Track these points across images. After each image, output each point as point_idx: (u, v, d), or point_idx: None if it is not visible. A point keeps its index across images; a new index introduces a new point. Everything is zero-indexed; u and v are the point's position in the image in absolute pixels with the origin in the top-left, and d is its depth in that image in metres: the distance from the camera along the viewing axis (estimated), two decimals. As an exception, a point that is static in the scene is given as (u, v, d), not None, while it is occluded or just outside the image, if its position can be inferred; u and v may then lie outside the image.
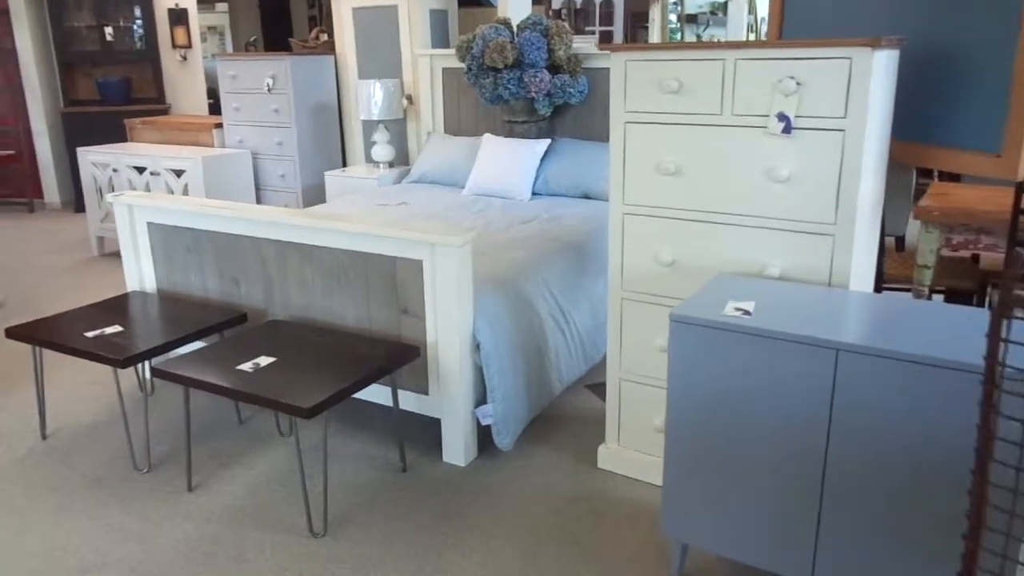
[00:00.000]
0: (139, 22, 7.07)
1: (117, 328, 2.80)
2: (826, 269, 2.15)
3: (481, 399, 2.76)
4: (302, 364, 2.46)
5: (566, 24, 4.24)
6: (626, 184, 2.42)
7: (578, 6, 9.73)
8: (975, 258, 3.58)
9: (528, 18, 4.30)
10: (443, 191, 4.46)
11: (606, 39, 9.53)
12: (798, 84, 2.05)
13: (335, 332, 2.77)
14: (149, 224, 3.26)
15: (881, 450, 1.70)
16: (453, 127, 4.90)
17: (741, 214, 2.23)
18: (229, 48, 9.98)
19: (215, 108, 7.55)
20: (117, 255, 5.42)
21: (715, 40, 9.92)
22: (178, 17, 7.10)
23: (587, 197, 4.21)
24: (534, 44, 4.13)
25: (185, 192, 4.98)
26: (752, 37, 9.97)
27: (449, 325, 2.62)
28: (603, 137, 4.39)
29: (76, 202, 7.01)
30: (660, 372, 2.49)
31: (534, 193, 4.28)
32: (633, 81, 2.32)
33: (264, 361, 2.48)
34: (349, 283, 2.82)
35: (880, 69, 2.03)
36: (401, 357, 2.55)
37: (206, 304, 3.13)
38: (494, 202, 4.15)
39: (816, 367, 1.74)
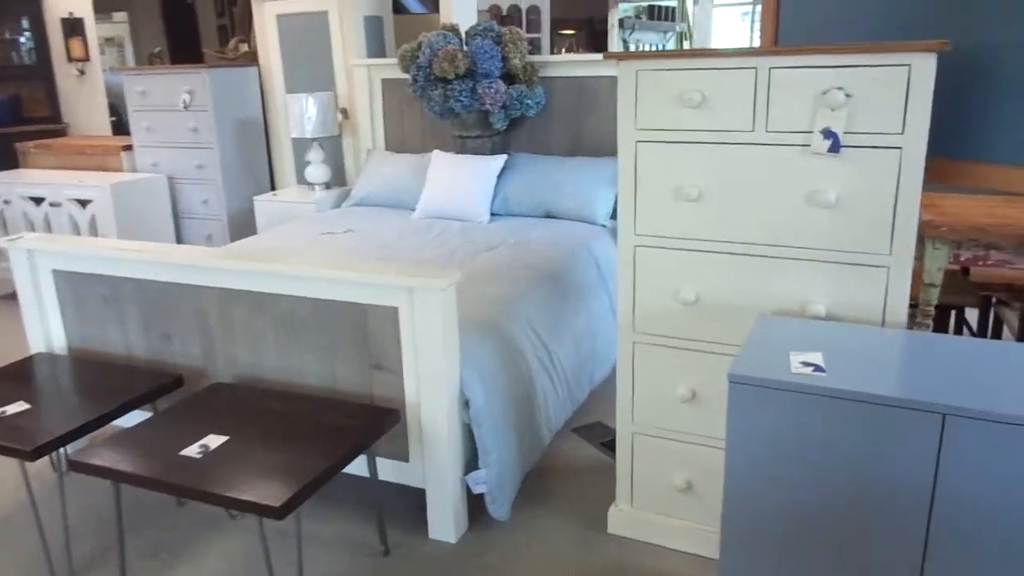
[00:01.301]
0: (27, 34, 6.36)
1: (21, 405, 2.29)
2: (878, 306, 1.87)
3: (471, 463, 2.38)
4: (261, 443, 2.03)
5: (520, 31, 3.91)
6: (638, 212, 2.09)
7: (504, 13, 9.43)
8: (964, 270, 3.43)
9: (478, 24, 3.95)
10: (390, 215, 4.05)
11: (534, 47, 9.26)
12: (847, 96, 1.77)
13: (294, 396, 2.34)
14: (55, 272, 2.74)
15: (999, 533, 1.42)
16: (396, 143, 4.50)
17: (778, 244, 1.94)
18: (130, 61, 9.24)
19: (119, 127, 6.89)
20: (12, 298, 4.77)
21: (645, 47, 9.78)
22: (73, 27, 6.43)
23: (550, 216, 3.89)
24: (487, 52, 3.78)
25: (93, 225, 4.39)
26: (687, 47, 9.88)
27: (432, 381, 2.24)
28: (562, 151, 4.08)
29: (-39, 236, 6.23)
30: (681, 424, 2.18)
31: (492, 214, 3.93)
32: (646, 94, 2.00)
33: (214, 441, 2.04)
34: (309, 336, 2.40)
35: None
36: (379, 424, 2.15)
37: (131, 366, 2.65)
38: (451, 226, 3.77)
39: (916, 434, 1.45)
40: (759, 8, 11.11)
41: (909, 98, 1.73)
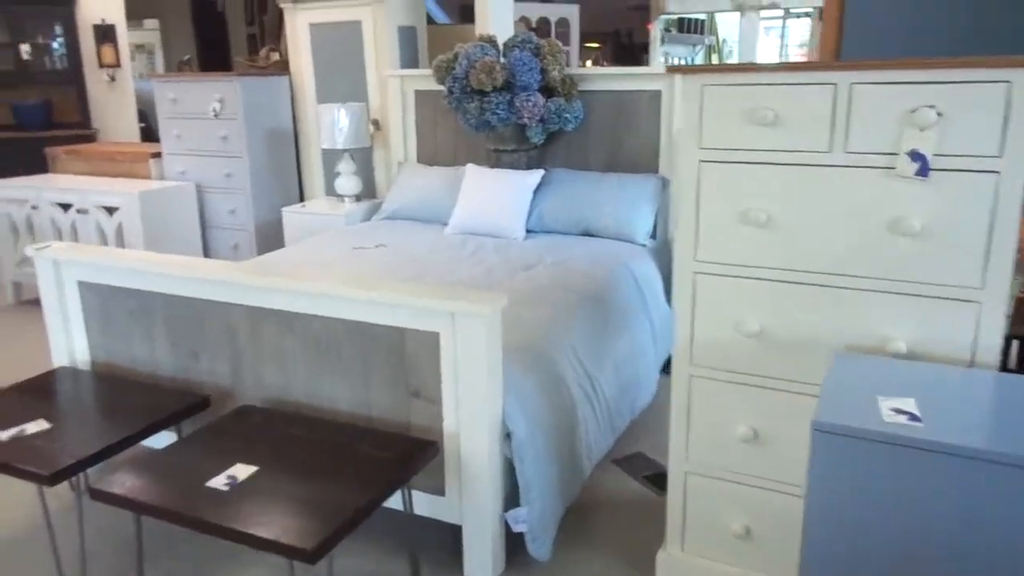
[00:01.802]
0: (60, 40, 6.34)
1: (41, 425, 2.18)
2: (967, 344, 1.72)
3: (511, 499, 2.24)
4: (291, 475, 1.90)
5: (560, 43, 3.79)
6: (699, 237, 1.95)
7: (533, 26, 9.34)
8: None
9: (516, 35, 3.83)
10: (422, 229, 3.93)
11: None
12: (939, 115, 1.62)
13: (326, 423, 2.21)
14: (81, 284, 2.64)
15: None
16: (428, 156, 4.39)
17: (855, 275, 1.79)
18: (160, 67, 9.24)
19: (147, 134, 6.85)
20: (38, 303, 4.70)
21: (673, 61, 9.64)
22: (105, 34, 6.39)
23: (587, 234, 3.75)
24: (526, 64, 3.66)
25: (119, 232, 4.31)
26: (715, 60, 9.74)
27: (473, 412, 2.10)
28: (600, 167, 3.95)
29: (-12, 240, 6.19)
30: (740, 465, 2.02)
31: (528, 230, 3.80)
32: (712, 111, 1.86)
33: (242, 472, 1.91)
34: (342, 359, 2.27)
35: (1041, 96, 1.62)
36: (417, 457, 2.02)
37: (156, 384, 2.53)
38: (485, 243, 3.64)
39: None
40: (789, 23, 10.98)
41: (1009, 118, 1.58)
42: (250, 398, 2.45)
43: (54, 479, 1.91)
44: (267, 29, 7.43)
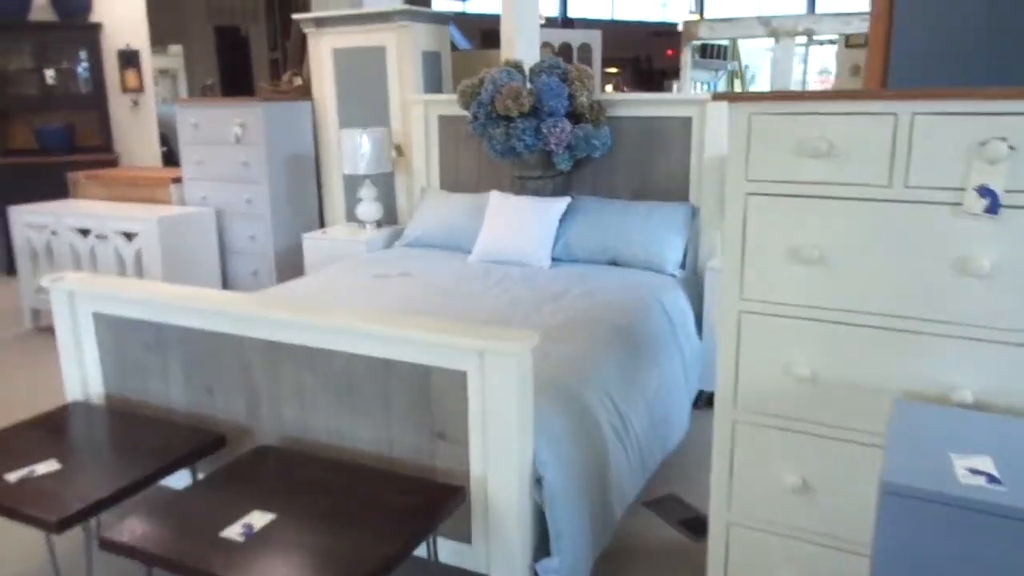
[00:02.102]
0: (85, 65, 6.36)
1: (51, 465, 2.08)
2: (1041, 393, 1.58)
3: (540, 547, 2.12)
4: (311, 524, 1.79)
5: (589, 68, 3.70)
6: (745, 274, 1.84)
7: (556, 51, 9.30)
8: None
9: (543, 60, 3.76)
10: (445, 257, 3.84)
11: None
12: (1011, 148, 1.51)
13: (347, 466, 2.10)
14: (96, 315, 2.56)
15: None
16: (450, 182, 4.31)
17: (915, 317, 1.66)
18: (183, 92, 9.29)
19: (168, 158, 6.84)
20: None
21: (696, 87, 9.55)
22: (129, 59, 6.41)
23: (615, 263, 3.64)
24: (553, 90, 3.58)
25: (138, 259, 4.26)
26: (737, 86, 9.64)
27: (502, 455, 1.99)
28: (627, 195, 3.85)
29: (7, 262, 6.16)
30: (788, 517, 1.89)
31: (554, 259, 3.69)
32: (760, 141, 1.75)
33: (259, 520, 1.80)
34: (364, 398, 2.17)
35: (1122, 127, 1.50)
36: (443, 504, 1.90)
37: (170, 421, 2.44)
38: (511, 272, 3.54)
39: None
40: (812, 49, 10.88)
41: (1088, 152, 1.46)
42: (267, 436, 2.34)
43: (61, 526, 1.82)
44: (290, 54, 7.43)
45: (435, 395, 2.06)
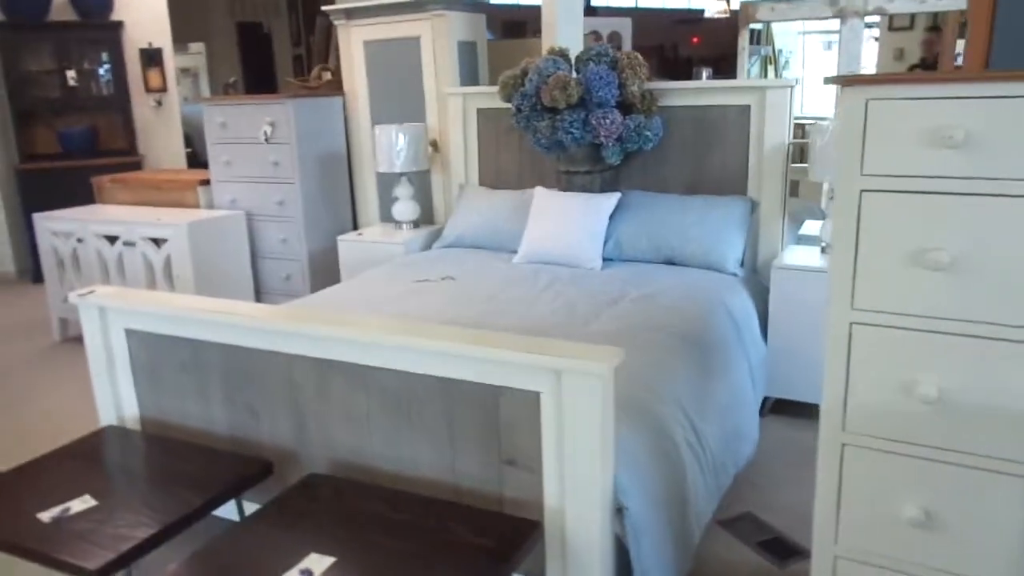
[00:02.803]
0: (106, 66, 6.22)
1: (87, 502, 1.91)
2: None
3: (621, 583, 1.92)
4: (375, 570, 1.61)
5: (638, 55, 3.48)
6: (858, 279, 1.62)
7: (599, 37, 9.04)
8: None
9: (590, 48, 3.54)
10: (489, 258, 3.64)
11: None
12: None
13: (409, 498, 1.91)
14: (129, 332, 2.39)
15: None
16: (490, 179, 4.11)
17: (1069, 330, 1.44)
18: (204, 91, 9.15)
19: (192, 159, 6.70)
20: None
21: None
22: (151, 58, 6.28)
23: (670, 263, 3.43)
24: (603, 79, 3.36)
25: (167, 265, 4.10)
26: (771, 72, 9.33)
27: (581, 484, 1.79)
28: (679, 189, 3.63)
29: (34, 271, 6.04)
30: (906, 552, 1.68)
31: (604, 259, 3.48)
32: (880, 129, 1.54)
33: (317, 565, 1.62)
34: (423, 420, 1.98)
35: None
36: (518, 541, 1.71)
37: (212, 446, 2.27)
38: (560, 273, 3.34)
39: None
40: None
41: None
42: (316, 461, 2.16)
43: (101, 574, 1.64)
44: (315, 49, 7.25)
45: (504, 418, 1.87)
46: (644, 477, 1.92)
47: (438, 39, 4.11)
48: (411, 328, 1.98)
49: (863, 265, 1.61)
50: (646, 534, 1.86)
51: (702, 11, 11.62)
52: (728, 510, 2.61)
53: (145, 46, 6.25)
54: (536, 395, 1.81)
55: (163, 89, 6.36)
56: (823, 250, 3.29)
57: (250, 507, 2.18)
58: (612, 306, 2.90)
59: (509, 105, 3.73)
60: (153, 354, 2.37)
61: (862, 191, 1.58)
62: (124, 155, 6.21)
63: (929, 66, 6.39)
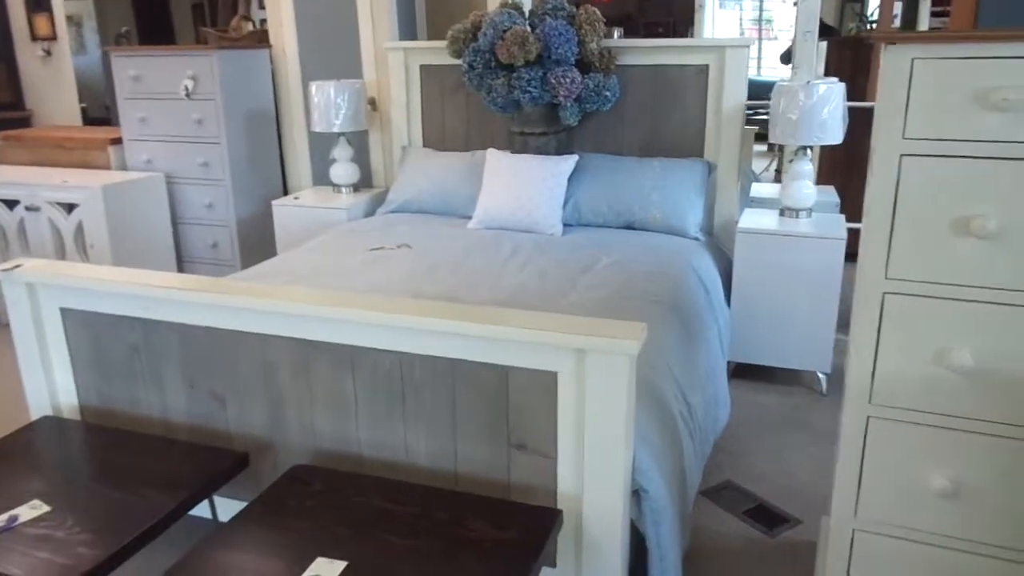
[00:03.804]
0: (-16, 8, 5.56)
1: (37, 507, 1.67)
2: None
3: (635, 570, 1.84)
4: (392, 573, 1.46)
5: (596, 10, 3.34)
6: (893, 248, 1.56)
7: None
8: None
9: (546, 2, 3.37)
10: (441, 224, 3.46)
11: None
12: None
13: (411, 489, 1.76)
14: (65, 312, 2.10)
15: None
16: (435, 140, 3.90)
17: (1111, 298, 1.43)
18: (91, 41, 8.37)
19: (86, 115, 6.12)
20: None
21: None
22: (38, 2, 5.65)
23: (630, 227, 3.35)
24: (563, 35, 3.21)
25: (79, 233, 3.71)
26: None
27: (603, 468, 1.69)
28: (635, 151, 3.54)
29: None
30: (935, 523, 1.66)
31: (564, 224, 3.36)
32: (925, 91, 1.47)
33: (328, 571, 1.45)
34: (421, 404, 1.82)
35: None
36: (542, 532, 1.60)
37: (170, 437, 2.03)
38: (521, 240, 3.20)
39: None
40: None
41: None
42: (295, 452, 1.97)
43: (73, 596, 1.42)
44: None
45: (515, 400, 1.74)
46: (658, 456, 1.84)
47: (376, -11, 3.84)
48: (409, 306, 1.81)
49: (900, 233, 1.55)
50: (664, 517, 1.78)
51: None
52: (708, 479, 2.59)
53: (30, -12, 5.61)
54: (552, 375, 1.68)
55: (52, 37, 5.74)
56: (781, 212, 3.29)
57: (223, 504, 1.97)
58: (585, 274, 2.79)
59: (457, 62, 3.53)
60: (95, 336, 2.09)
61: (903, 155, 1.51)
62: (9, 110, 5.58)
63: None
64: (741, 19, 11.26)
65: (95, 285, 2.02)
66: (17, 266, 2.08)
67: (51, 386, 2.16)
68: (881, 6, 4.05)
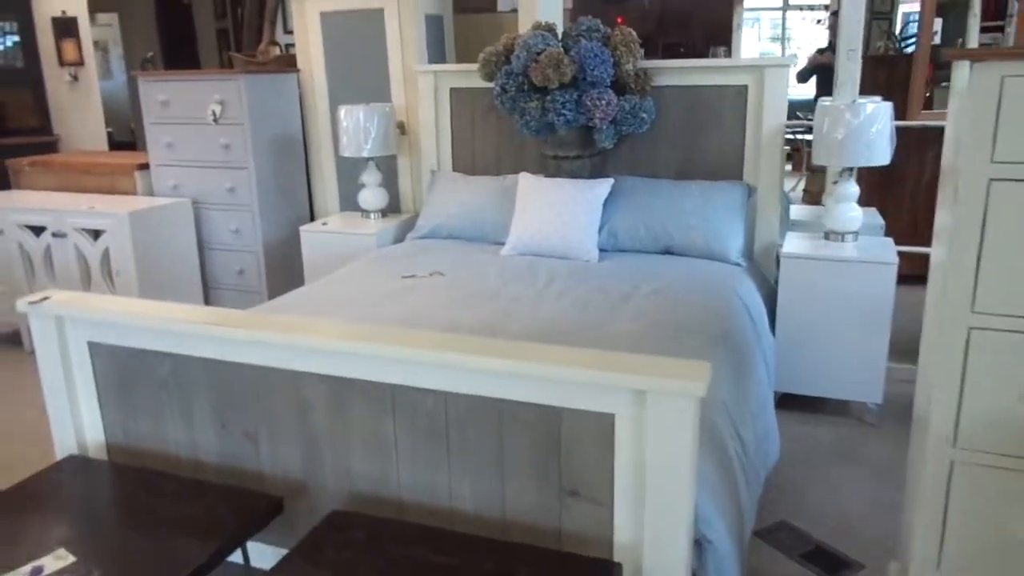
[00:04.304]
0: (14, 36, 5.58)
1: (62, 557, 1.57)
2: None
3: (696, 621, 1.71)
4: (447, 633, 1.35)
5: (632, 31, 3.26)
6: (981, 279, 1.45)
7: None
8: None
9: (580, 23, 3.30)
10: (473, 251, 3.36)
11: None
12: None
13: (459, 539, 1.65)
14: (92, 345, 2.02)
15: None
16: (465, 164, 3.82)
17: None
18: (117, 66, 8.43)
19: (112, 140, 6.13)
20: (14, 343, 4.02)
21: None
22: (66, 28, 5.66)
23: (669, 253, 3.24)
24: (598, 57, 3.13)
25: (105, 259, 3.66)
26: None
27: (664, 517, 1.57)
28: (671, 174, 3.43)
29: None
30: (1019, 574, 1.53)
31: (599, 250, 3.26)
32: (1015, 112, 1.36)
33: (374, 633, 1.34)
34: (467, 447, 1.72)
35: None
36: (599, 588, 1.48)
37: (199, 478, 1.94)
38: (556, 267, 3.09)
39: None
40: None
41: None
42: (331, 496, 1.87)
43: (101, 659, 1.32)
44: (246, 22, 6.73)
45: (567, 443, 1.63)
46: (719, 502, 1.72)
47: (404, 11, 3.78)
48: (454, 342, 1.71)
49: (989, 263, 1.44)
50: (727, 567, 1.66)
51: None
52: (762, 519, 2.45)
53: (58, 14, 5.64)
54: (609, 417, 1.57)
55: (79, 63, 5.75)
56: (826, 236, 3.17)
57: (254, 547, 1.87)
58: (626, 303, 2.68)
59: (488, 85, 3.45)
60: (124, 371, 2.01)
61: (991, 180, 1.40)
62: (37, 135, 5.58)
63: (833, 49, 6.50)
64: (759, 37, 11.19)
65: (124, 319, 1.93)
66: (45, 298, 2.01)
67: (77, 422, 2.08)
68: (921, 23, 3.94)
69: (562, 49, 3.24)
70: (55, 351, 2.03)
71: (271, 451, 1.91)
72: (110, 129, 6.32)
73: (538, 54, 3.18)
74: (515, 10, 4.41)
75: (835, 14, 7.10)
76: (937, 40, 4.24)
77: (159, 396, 1.99)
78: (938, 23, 4.18)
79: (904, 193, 4.49)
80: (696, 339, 2.37)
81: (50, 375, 2.05)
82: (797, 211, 3.89)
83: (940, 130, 3.24)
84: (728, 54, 9.03)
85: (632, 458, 1.57)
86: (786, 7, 9.71)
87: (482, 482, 1.72)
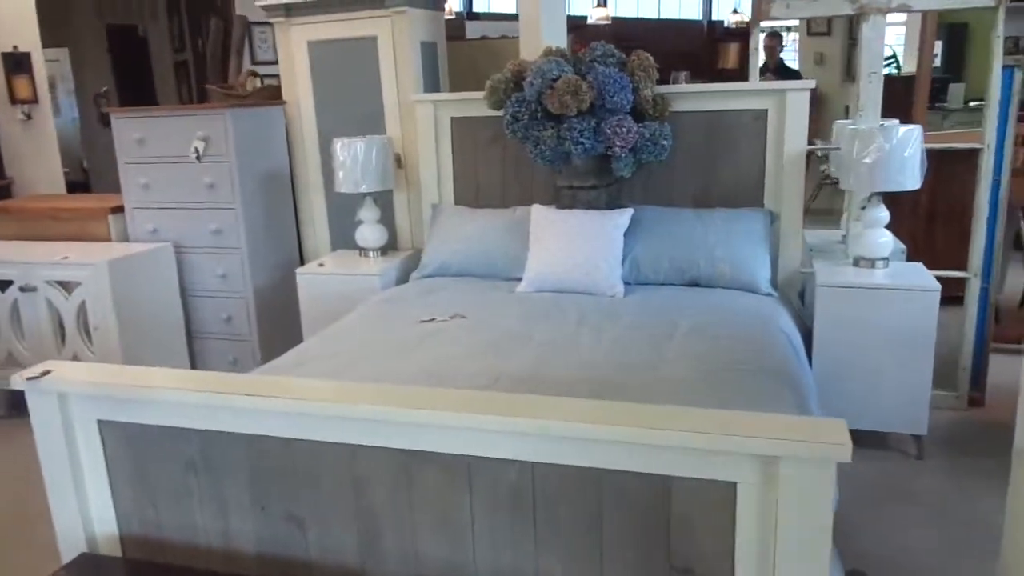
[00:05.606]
0: (-40, 72, 5.23)
1: None
2: None
3: None
4: None
5: (649, 56, 3.13)
6: None
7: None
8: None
9: (594, 48, 3.15)
10: (488, 289, 3.16)
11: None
12: None
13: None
14: (103, 424, 1.76)
15: None
16: (469, 197, 3.63)
17: None
18: (66, 102, 8.04)
19: (71, 183, 5.77)
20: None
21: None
22: (18, 63, 5.34)
23: (695, 284, 3.09)
24: (617, 83, 2.98)
25: (81, 314, 3.35)
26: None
27: (793, 599, 1.38)
28: (688, 202, 3.30)
29: None
30: None
31: (624, 283, 3.09)
32: None
33: None
34: (557, 524, 1.51)
35: None
36: None
37: (233, 571, 1.69)
38: (583, 304, 2.91)
39: None
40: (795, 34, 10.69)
41: None
42: (395, 584, 1.64)
43: None
44: (210, 52, 6.45)
45: (678, 517, 1.43)
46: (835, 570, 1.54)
47: (400, 39, 3.60)
48: (540, 405, 1.51)
49: None
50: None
51: (584, 18, 10.97)
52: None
53: (9, 50, 5.31)
54: (730, 487, 1.38)
55: (33, 100, 5.42)
56: (855, 263, 3.06)
57: (308, 654, 1.63)
58: (669, 342, 2.51)
59: (493, 113, 3.28)
60: (140, 452, 1.75)
61: None
62: (-12, 178, 5.23)
63: (771, 70, 6.53)
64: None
65: (143, 393, 1.68)
66: (46, 372, 1.74)
67: (85, 514, 1.80)
68: (921, 46, 3.91)
69: (576, 75, 3.08)
70: (59, 433, 1.76)
71: (320, 536, 1.68)
72: (66, 170, 5.97)
73: (553, 81, 3.02)
74: (504, 36, 4.28)
75: (773, 35, 7.14)
76: (937, 63, 4.23)
77: (185, 478, 1.74)
78: (939, 46, 4.16)
79: (902, 214, 4.45)
80: (753, 378, 2.22)
81: (53, 462, 1.78)
82: (807, 236, 3.79)
83: (938, 152, 3.21)
84: (689, 80, 9.05)
85: (757, 533, 1.38)
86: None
87: (577, 565, 1.52)
